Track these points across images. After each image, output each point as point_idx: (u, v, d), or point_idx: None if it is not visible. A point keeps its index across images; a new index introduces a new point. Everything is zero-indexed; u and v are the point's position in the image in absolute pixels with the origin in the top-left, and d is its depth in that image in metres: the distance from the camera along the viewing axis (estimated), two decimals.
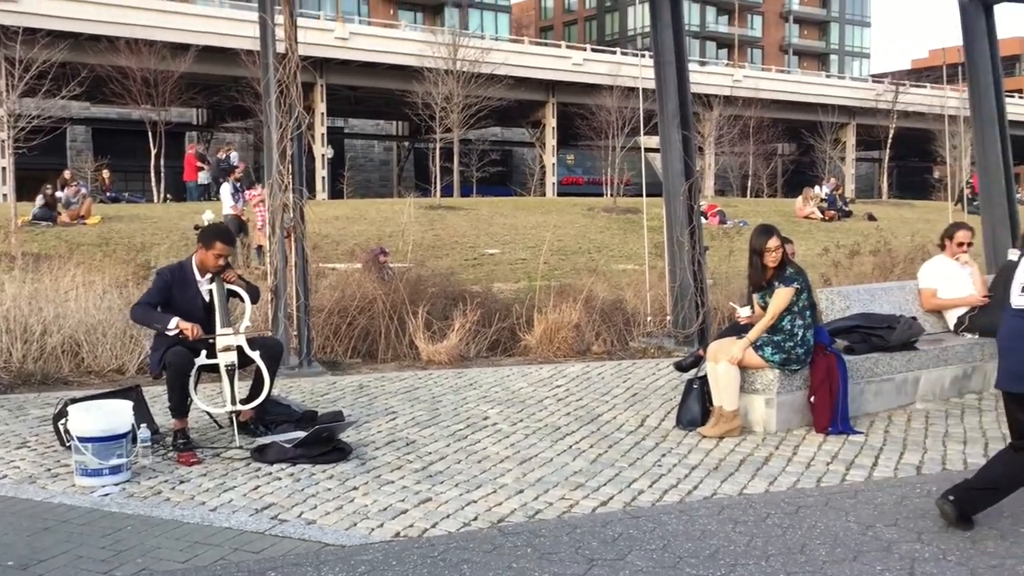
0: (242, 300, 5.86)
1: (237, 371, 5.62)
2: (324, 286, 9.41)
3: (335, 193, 38.65)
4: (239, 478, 4.95)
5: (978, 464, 5.13)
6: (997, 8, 10.25)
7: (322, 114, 39.28)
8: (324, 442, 5.30)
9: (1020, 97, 63.23)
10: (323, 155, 39.14)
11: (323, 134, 39.55)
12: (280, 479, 4.93)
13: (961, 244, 7.31)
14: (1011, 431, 4.17)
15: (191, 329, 5.43)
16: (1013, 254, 7.98)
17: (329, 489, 4.75)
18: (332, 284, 9.48)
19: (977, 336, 7.07)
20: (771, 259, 5.84)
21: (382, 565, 3.74)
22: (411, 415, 6.35)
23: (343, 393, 7.08)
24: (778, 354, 5.81)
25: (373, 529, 4.20)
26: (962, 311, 7.22)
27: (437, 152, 33.23)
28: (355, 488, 4.77)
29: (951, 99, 25.15)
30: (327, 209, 23.35)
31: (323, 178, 38.99)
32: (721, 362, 5.80)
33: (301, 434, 5.43)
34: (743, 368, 5.82)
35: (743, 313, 6.09)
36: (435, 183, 31.91)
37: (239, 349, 5.64)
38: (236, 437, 5.53)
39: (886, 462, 5.22)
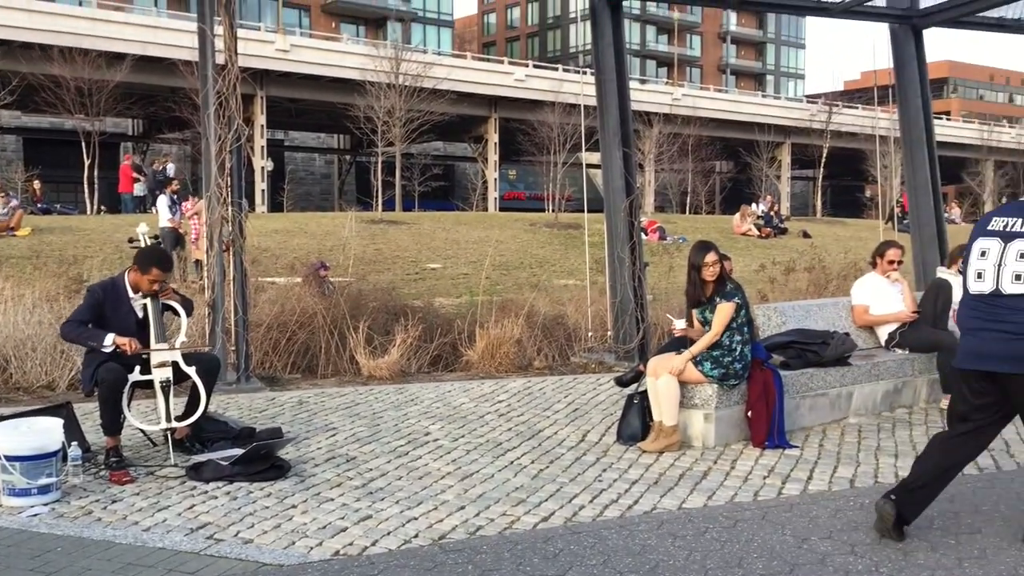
0: (177, 315, 5.75)
1: (172, 387, 5.51)
2: (263, 300, 9.29)
3: (275, 206, 38.22)
4: (174, 497, 4.85)
5: None
6: (926, 33, 10.57)
7: (262, 126, 38.85)
8: (262, 459, 5.21)
9: (947, 119, 65.34)
10: (263, 168, 38.70)
11: (263, 146, 39.10)
12: (216, 497, 4.83)
13: (892, 262, 7.50)
14: (952, 417, 4.27)
15: (128, 343, 5.31)
16: (941, 272, 8.21)
17: (267, 507, 4.68)
18: (271, 298, 9.36)
19: (907, 351, 7.26)
20: (709, 274, 5.93)
21: None
22: (351, 431, 6.29)
23: (282, 409, 6.98)
24: (717, 369, 5.89)
25: (312, 548, 4.14)
26: (893, 327, 7.41)
27: (379, 166, 33.10)
28: (294, 506, 4.70)
29: (882, 120, 25.88)
30: (267, 222, 23.07)
31: (263, 191, 38.56)
32: (661, 377, 5.86)
33: (238, 451, 5.34)
34: (683, 383, 5.89)
35: (678, 325, 6.18)
36: (377, 197, 31.77)
37: (174, 365, 5.53)
38: (171, 455, 5.42)
39: (821, 476, 5.31)
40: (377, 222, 24.87)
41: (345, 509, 4.65)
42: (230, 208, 7.75)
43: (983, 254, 4.07)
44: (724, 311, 5.87)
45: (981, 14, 10.15)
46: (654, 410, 5.91)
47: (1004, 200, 55.95)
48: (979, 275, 4.07)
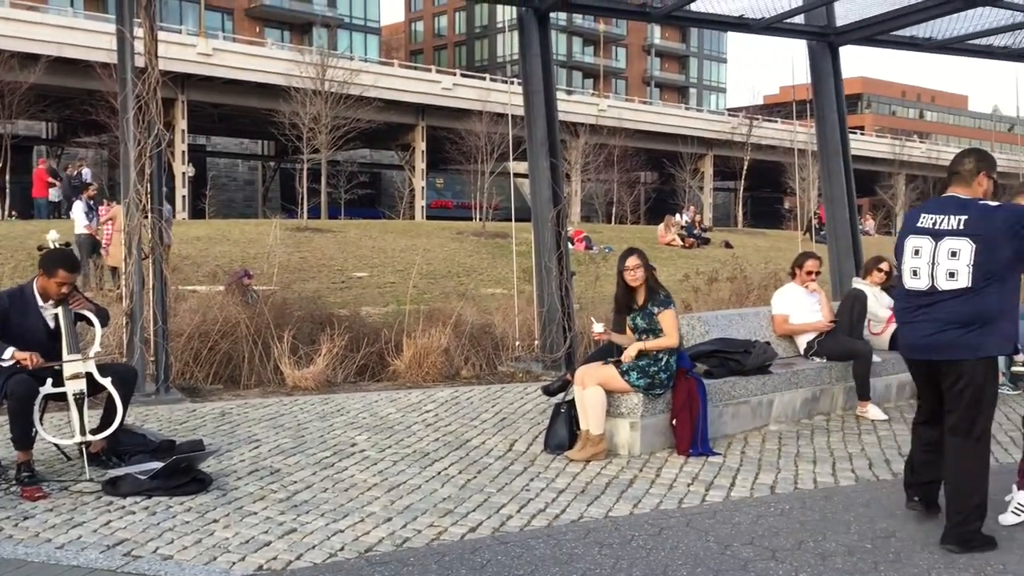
0: (91, 324, 5.58)
1: (87, 399, 5.34)
2: (184, 309, 9.08)
3: (196, 213, 37.45)
4: (89, 513, 4.69)
5: (828, 483, 5.40)
6: (842, 50, 10.91)
7: (183, 131, 38.07)
8: (182, 473, 5.09)
9: (862, 133, 67.46)
10: (184, 173, 37.90)
11: (184, 152, 38.32)
12: (134, 513, 4.70)
13: (810, 272, 7.70)
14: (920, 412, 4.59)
15: (29, 358, 5.11)
16: (857, 282, 8.46)
17: (187, 522, 4.57)
18: (192, 307, 9.16)
19: (825, 360, 7.45)
20: (630, 278, 6.03)
21: None
22: (275, 443, 6.18)
23: (203, 421, 6.83)
24: (643, 379, 5.96)
25: (234, 563, 4.05)
26: (811, 336, 7.60)
27: (304, 173, 32.71)
28: (215, 520, 4.59)
29: (800, 134, 26.58)
30: (188, 229, 22.59)
31: (184, 197, 37.74)
32: (589, 387, 5.90)
33: (157, 465, 5.20)
34: (609, 392, 5.94)
35: (597, 328, 6.24)
36: (302, 204, 31.35)
37: (88, 376, 5.36)
38: (86, 469, 5.25)
39: (743, 482, 5.41)
40: (302, 230, 24.56)
41: (269, 523, 4.56)
42: (150, 215, 7.56)
43: (916, 252, 4.29)
44: (670, 317, 5.96)
45: (894, 32, 10.51)
46: (581, 419, 5.94)
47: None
48: (915, 272, 4.29)
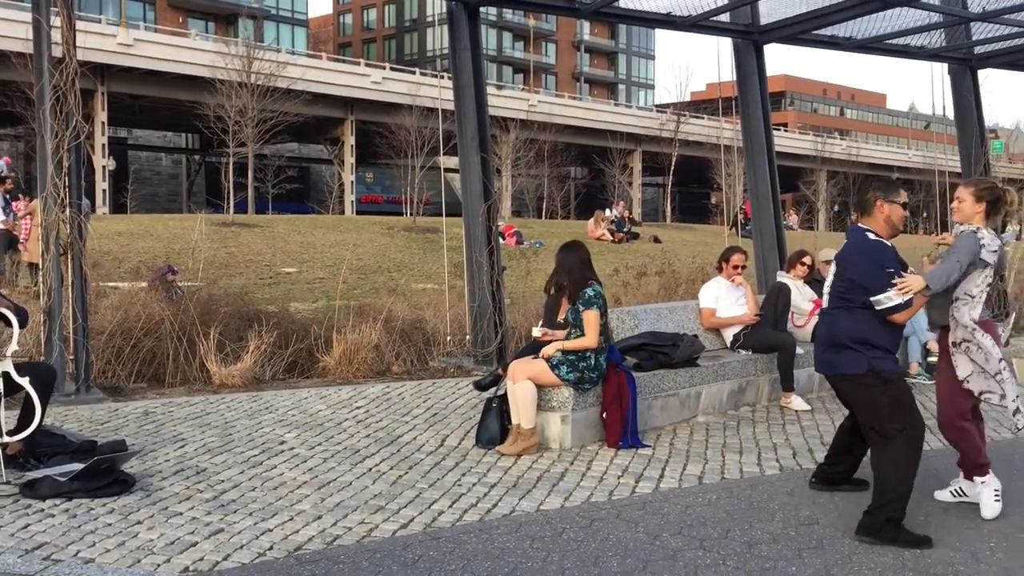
0: (8, 324, 5.40)
1: (3, 400, 5.16)
2: (105, 306, 8.83)
3: (118, 207, 36.49)
4: (7, 516, 4.54)
5: (754, 473, 5.52)
6: (766, 48, 11.13)
7: (103, 123, 37.05)
8: (104, 474, 4.95)
9: (785, 131, 68.95)
10: (104, 167, 36.87)
11: (104, 144, 37.29)
12: (54, 516, 4.56)
13: (736, 267, 7.85)
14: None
15: None
16: (781, 276, 8.65)
17: (110, 524, 4.45)
18: (114, 304, 8.91)
19: (750, 352, 7.61)
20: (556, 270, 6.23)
21: None
22: (202, 442, 6.06)
23: (126, 420, 6.66)
24: (572, 373, 6.00)
25: (159, 565, 3.96)
26: (737, 329, 7.75)
27: (230, 167, 32.12)
28: (139, 522, 4.49)
29: (726, 130, 27.07)
30: (109, 224, 22.00)
31: (104, 191, 36.74)
32: (520, 382, 5.92)
33: (78, 466, 5.05)
34: (539, 386, 5.97)
35: (536, 332, 6.31)
36: (228, 199, 30.80)
37: (5, 376, 5.18)
38: (2, 472, 5.06)
39: (672, 473, 5.50)
40: (228, 225, 24.12)
41: (195, 523, 4.47)
42: (68, 209, 7.34)
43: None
44: (591, 319, 5.99)
45: (816, 32, 10.77)
46: (512, 414, 5.96)
47: (836, 208, 59.60)
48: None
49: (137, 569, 3.92)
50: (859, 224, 4.58)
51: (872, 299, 4.30)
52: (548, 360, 5.99)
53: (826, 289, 4.64)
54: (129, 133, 51.03)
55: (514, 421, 5.95)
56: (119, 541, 4.23)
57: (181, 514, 4.61)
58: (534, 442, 5.90)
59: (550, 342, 6.15)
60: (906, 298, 4.26)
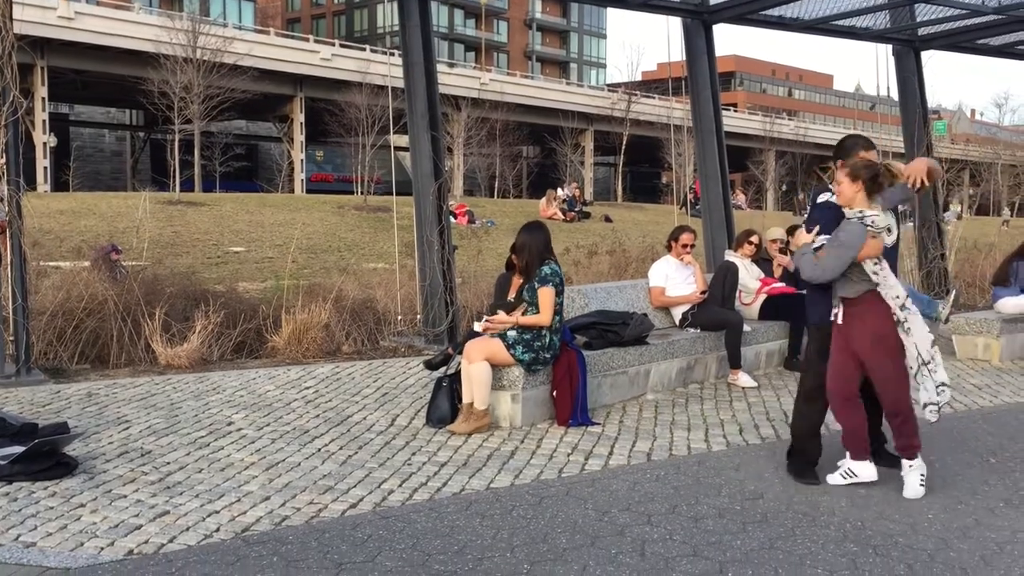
0: None
1: None
2: (46, 286, 8.64)
3: (59, 185, 35.65)
4: None
5: (701, 449, 5.60)
6: (715, 28, 11.19)
7: (43, 99, 36.07)
8: (45, 456, 4.85)
9: (735, 111, 69.58)
10: (45, 143, 35.95)
11: (44, 120, 36.33)
12: None
13: (685, 245, 7.91)
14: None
15: None
16: (729, 255, 8.75)
17: (51, 508, 4.37)
18: (56, 284, 8.73)
19: (699, 330, 7.69)
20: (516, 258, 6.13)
21: None
22: (147, 423, 5.97)
23: (68, 402, 6.53)
24: (528, 353, 6.00)
25: (103, 548, 3.90)
26: (685, 307, 7.83)
27: (176, 144, 31.54)
28: (82, 505, 4.41)
29: (676, 110, 27.19)
30: (50, 202, 21.51)
31: (45, 168, 35.84)
32: (475, 361, 5.90)
33: (19, 449, 4.94)
34: (493, 366, 5.97)
35: (477, 328, 6.24)
36: (174, 177, 30.25)
37: None
38: None
39: (620, 450, 5.55)
40: (175, 203, 23.73)
41: (140, 506, 4.41)
42: (6, 187, 7.15)
43: None
44: (546, 296, 5.99)
45: (764, 12, 10.86)
46: (465, 393, 5.95)
47: (784, 188, 60.33)
48: None
49: (80, 552, 3.85)
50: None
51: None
52: (503, 339, 5.99)
53: None
54: (71, 109, 49.82)
55: (465, 400, 5.94)
56: (61, 524, 4.15)
57: (125, 497, 4.54)
58: (486, 421, 5.90)
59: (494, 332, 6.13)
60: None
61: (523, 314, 6.08)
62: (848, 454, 4.85)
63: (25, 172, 7.55)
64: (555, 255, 6.28)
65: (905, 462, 4.71)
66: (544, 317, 5.99)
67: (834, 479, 4.82)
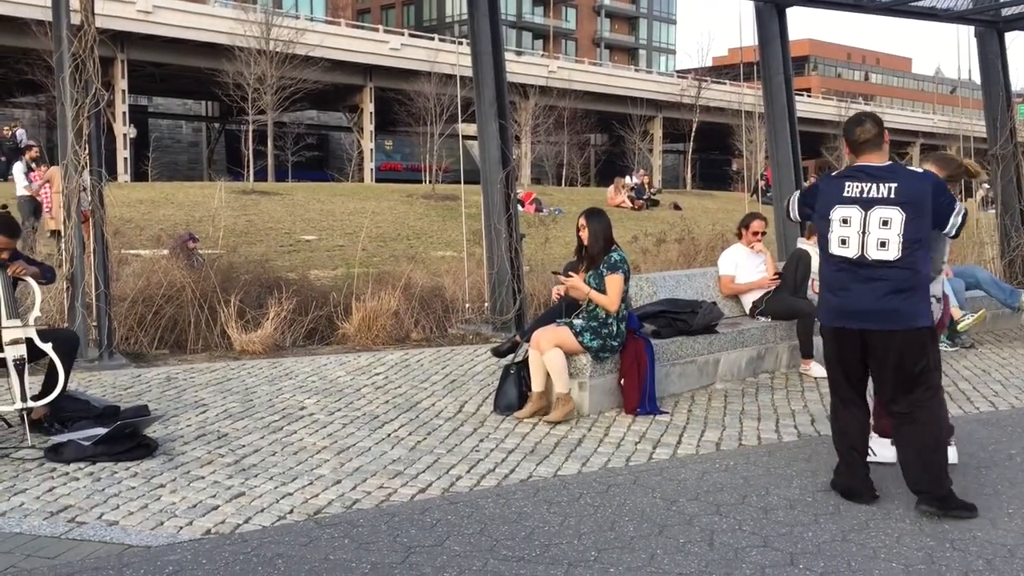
0: (36, 284, 5.46)
1: (27, 365, 5.24)
2: (127, 274, 8.92)
3: (139, 175, 36.65)
4: (31, 479, 4.62)
5: (771, 440, 5.52)
6: (789, 12, 10.97)
7: (123, 91, 37.08)
8: (127, 438, 5.02)
9: (808, 96, 68.11)
10: (125, 135, 37.00)
11: (125, 112, 37.37)
12: (78, 479, 4.63)
13: (756, 233, 7.79)
14: (832, 384, 4.55)
15: None
16: (801, 243, 8.58)
17: (133, 488, 4.52)
18: (136, 271, 9.00)
19: (769, 319, 7.58)
20: (581, 235, 6.09)
21: (191, 564, 3.60)
22: (223, 407, 6.13)
23: (148, 386, 6.74)
24: (596, 340, 5.99)
25: (181, 528, 4.02)
26: (756, 296, 7.71)
27: (250, 134, 32.18)
28: (161, 486, 4.55)
29: (747, 96, 26.73)
30: (130, 192, 22.12)
31: (126, 159, 36.88)
32: (547, 351, 5.89)
33: (102, 431, 5.12)
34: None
35: (555, 297, 6.30)
36: (248, 167, 30.87)
37: (28, 342, 5.25)
38: (28, 436, 5.15)
39: (689, 440, 5.50)
40: (248, 193, 24.20)
41: (216, 487, 4.53)
42: (89, 177, 7.39)
43: (845, 221, 4.24)
44: (615, 283, 5.96)
45: None
46: (535, 380, 5.96)
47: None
48: (843, 241, 4.25)
49: (160, 531, 3.98)
50: (874, 163, 4.28)
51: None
52: (571, 327, 5.98)
53: (891, 236, 4.14)
54: (150, 101, 51.11)
55: (535, 388, 5.95)
56: (142, 504, 4.29)
57: (203, 478, 4.67)
58: (571, 406, 5.91)
59: (556, 305, 6.15)
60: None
61: (587, 306, 6.07)
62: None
63: (106, 163, 7.79)
64: (617, 242, 6.25)
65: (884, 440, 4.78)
66: (612, 302, 5.95)
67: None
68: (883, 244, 4.14)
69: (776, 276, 7.65)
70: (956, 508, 4.13)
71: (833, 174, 4.45)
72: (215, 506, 4.27)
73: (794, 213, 4.66)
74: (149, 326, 8.22)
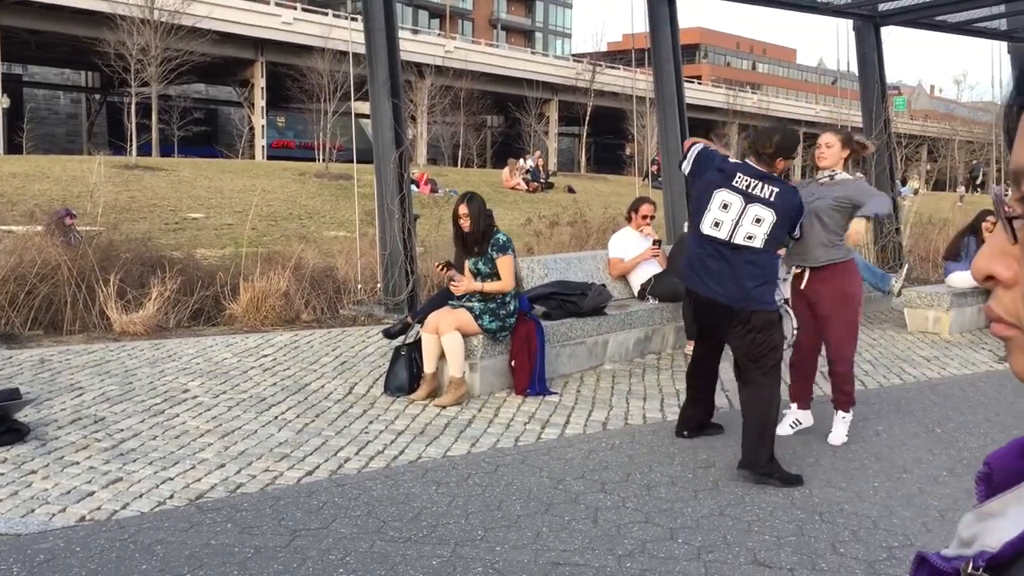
0: None
1: None
2: None
3: (12, 148, 34.84)
4: None
5: (656, 419, 5.67)
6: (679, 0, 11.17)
7: None
8: None
9: (699, 83, 69.66)
10: None
11: None
12: None
13: (645, 217, 7.96)
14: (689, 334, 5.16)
15: None
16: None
17: (2, 474, 4.33)
18: (7, 248, 8.56)
19: (657, 301, 7.75)
20: (463, 224, 6.07)
21: (64, 552, 3.48)
22: (100, 390, 5.91)
23: (20, 368, 6.44)
24: (495, 322, 6.03)
25: (54, 514, 3.88)
26: (645, 279, 7.88)
27: (133, 107, 30.93)
28: (33, 472, 4.37)
29: (640, 82, 27.15)
30: (2, 165, 21.04)
31: None
32: (445, 333, 5.89)
33: None
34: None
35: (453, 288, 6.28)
36: (131, 141, 29.69)
37: None
38: None
39: (577, 420, 5.60)
40: (131, 168, 23.31)
41: (92, 472, 4.38)
42: None
43: (725, 207, 4.60)
44: (507, 264, 6.01)
45: None
46: (427, 362, 5.96)
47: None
48: (716, 224, 4.62)
49: (31, 519, 3.83)
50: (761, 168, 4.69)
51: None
52: (470, 310, 6.00)
53: (759, 232, 4.56)
54: (25, 70, 48.58)
55: (427, 370, 5.96)
56: (12, 491, 4.12)
57: (77, 463, 4.51)
58: (464, 390, 5.92)
59: (446, 288, 6.17)
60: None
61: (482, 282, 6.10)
62: (796, 405, 5.35)
63: None
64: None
65: (841, 413, 5.17)
66: (507, 283, 6.02)
67: (784, 430, 5.15)
68: (750, 237, 4.56)
69: (656, 244, 7.85)
70: (766, 476, 4.45)
71: (736, 160, 4.72)
72: (90, 492, 4.13)
73: (687, 165, 4.91)
74: (22, 306, 7.85)
